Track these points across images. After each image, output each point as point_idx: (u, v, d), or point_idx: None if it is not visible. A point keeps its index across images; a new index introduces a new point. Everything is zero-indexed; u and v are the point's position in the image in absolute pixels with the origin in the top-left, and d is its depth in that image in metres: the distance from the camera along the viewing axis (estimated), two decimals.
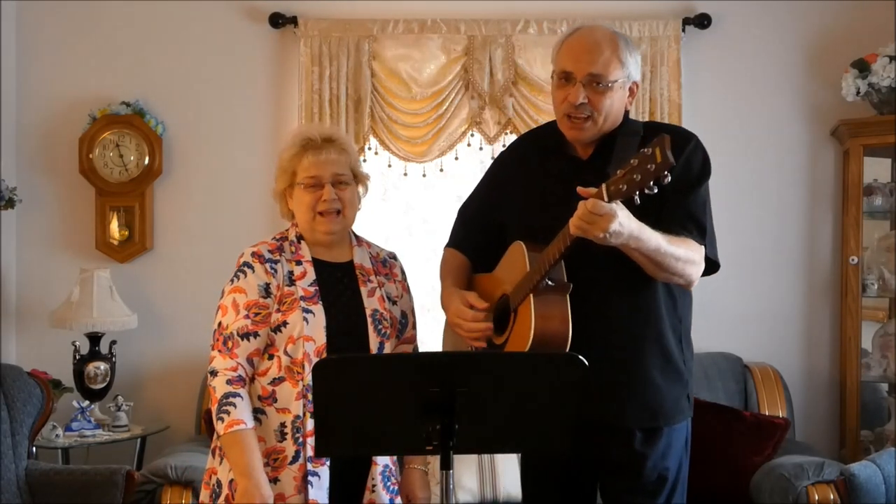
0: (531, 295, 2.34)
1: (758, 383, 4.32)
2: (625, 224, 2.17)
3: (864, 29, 4.49)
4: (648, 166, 2.02)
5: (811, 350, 4.61)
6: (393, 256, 2.77)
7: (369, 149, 4.55)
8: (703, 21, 4.53)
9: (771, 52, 4.60)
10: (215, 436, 2.57)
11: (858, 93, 4.29)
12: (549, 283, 2.33)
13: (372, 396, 2.07)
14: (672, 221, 2.34)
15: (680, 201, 2.40)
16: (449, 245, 2.73)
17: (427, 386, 2.03)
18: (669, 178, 2.03)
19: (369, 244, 2.74)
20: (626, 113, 2.51)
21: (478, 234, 2.66)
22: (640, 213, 2.22)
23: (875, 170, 4.48)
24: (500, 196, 2.63)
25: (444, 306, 2.61)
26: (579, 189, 2.18)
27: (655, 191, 2.05)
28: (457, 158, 4.57)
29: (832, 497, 3.62)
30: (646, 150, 2.04)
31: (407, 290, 2.74)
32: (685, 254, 2.34)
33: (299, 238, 2.62)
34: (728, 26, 4.58)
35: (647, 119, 4.41)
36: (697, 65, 4.57)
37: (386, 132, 4.51)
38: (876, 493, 3.56)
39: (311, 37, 4.50)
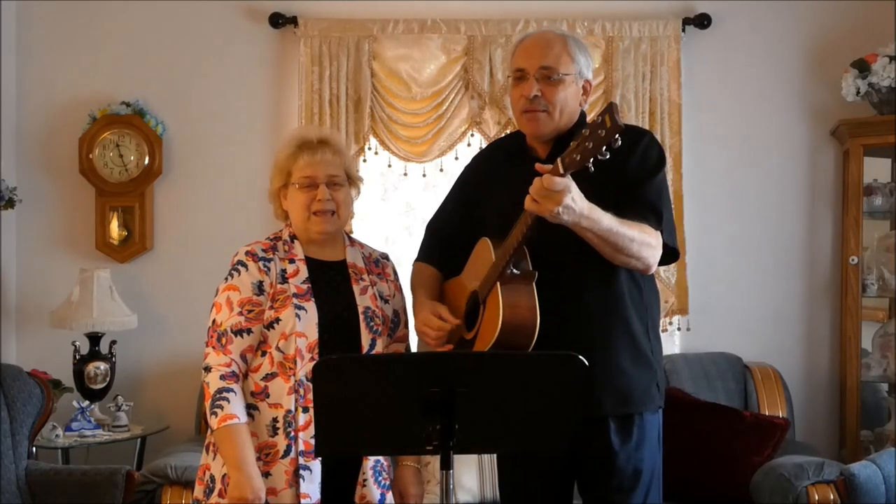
0: (498, 283, 2.39)
1: (758, 383, 4.32)
2: (577, 201, 2.23)
3: (864, 29, 4.49)
4: (599, 132, 2.09)
5: (811, 350, 4.61)
6: (385, 257, 2.80)
7: (369, 149, 4.55)
8: (703, 21, 4.53)
9: (771, 52, 4.60)
10: (209, 431, 2.61)
11: (858, 93, 4.29)
12: (515, 271, 2.38)
13: (372, 396, 2.07)
14: (628, 209, 2.40)
15: (636, 190, 2.47)
16: (418, 259, 2.78)
17: (427, 386, 2.03)
18: (620, 143, 2.09)
19: (362, 245, 2.78)
20: (583, 114, 2.60)
21: (447, 247, 2.71)
22: (599, 203, 2.30)
23: (875, 170, 4.48)
24: (468, 207, 2.69)
25: (415, 316, 2.65)
26: (536, 165, 2.25)
27: (608, 156, 2.11)
28: (457, 158, 4.57)
29: (832, 497, 3.62)
30: (596, 118, 2.12)
31: (399, 289, 2.77)
32: (639, 236, 2.39)
33: (293, 238, 2.67)
34: (728, 26, 4.58)
35: (646, 119, 4.43)
36: (697, 65, 4.57)
37: (386, 132, 4.52)
38: (876, 493, 3.55)
39: (311, 37, 4.50)
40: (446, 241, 2.73)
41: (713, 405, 4.10)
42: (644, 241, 2.40)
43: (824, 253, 4.59)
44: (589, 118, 2.27)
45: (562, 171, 2.18)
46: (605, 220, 2.31)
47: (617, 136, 2.08)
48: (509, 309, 2.36)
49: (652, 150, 2.53)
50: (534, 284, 2.39)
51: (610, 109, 2.08)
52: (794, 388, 4.43)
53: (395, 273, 2.79)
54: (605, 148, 2.10)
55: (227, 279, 2.61)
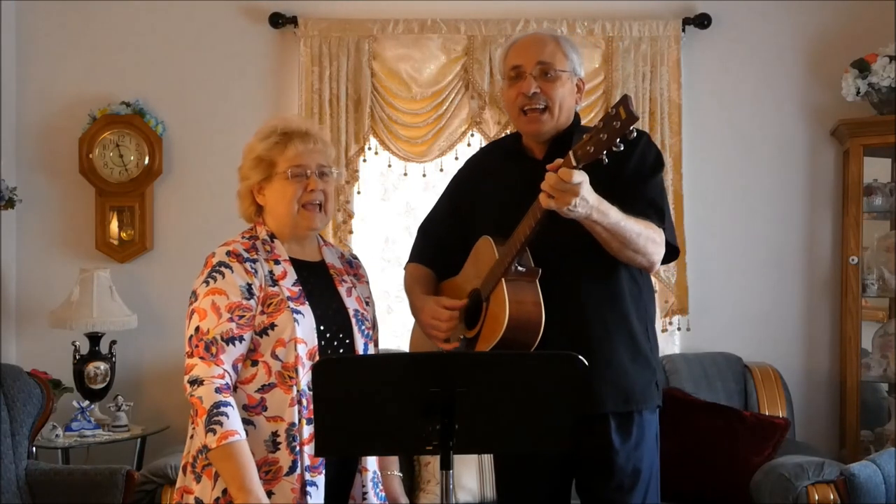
0: (503, 280, 2.38)
1: (758, 383, 4.32)
2: (589, 193, 2.24)
3: (864, 29, 4.49)
4: (614, 124, 2.10)
5: (811, 350, 4.61)
6: (355, 257, 2.71)
7: (369, 149, 4.56)
8: (703, 21, 4.53)
9: (771, 52, 4.60)
10: (186, 452, 2.42)
11: (858, 93, 4.29)
12: (520, 268, 2.38)
13: (372, 396, 2.07)
14: (631, 208, 2.40)
15: (637, 189, 2.47)
16: (410, 261, 2.76)
17: (427, 386, 2.03)
18: (635, 134, 2.12)
19: (331, 244, 2.71)
20: (577, 115, 2.61)
21: (441, 248, 2.71)
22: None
23: (875, 170, 4.48)
24: (462, 208, 2.69)
25: (416, 312, 2.64)
26: (548, 166, 2.23)
27: (622, 148, 2.12)
28: (457, 158, 4.56)
29: (832, 497, 3.62)
30: (610, 110, 2.13)
31: (370, 291, 2.68)
32: (644, 231, 2.40)
33: (272, 236, 2.48)
34: (728, 26, 4.58)
35: (646, 119, 4.43)
36: (697, 65, 4.58)
37: (386, 132, 4.52)
38: (876, 493, 3.55)
39: (311, 37, 4.50)
40: (439, 242, 2.73)
41: (713, 405, 4.10)
42: (649, 237, 2.42)
43: (824, 253, 4.59)
44: (585, 121, 2.25)
45: (574, 163, 2.18)
46: (613, 214, 2.32)
47: (632, 127, 2.08)
48: (515, 304, 2.36)
49: (650, 151, 2.54)
50: (537, 281, 2.39)
51: (625, 101, 2.10)
52: (794, 388, 4.43)
53: (367, 274, 2.70)
54: (619, 140, 2.10)
55: (207, 283, 2.37)
